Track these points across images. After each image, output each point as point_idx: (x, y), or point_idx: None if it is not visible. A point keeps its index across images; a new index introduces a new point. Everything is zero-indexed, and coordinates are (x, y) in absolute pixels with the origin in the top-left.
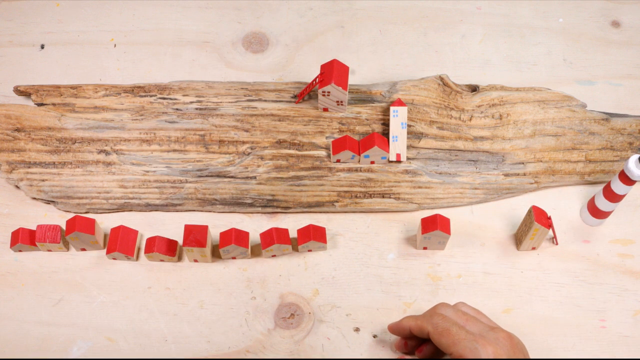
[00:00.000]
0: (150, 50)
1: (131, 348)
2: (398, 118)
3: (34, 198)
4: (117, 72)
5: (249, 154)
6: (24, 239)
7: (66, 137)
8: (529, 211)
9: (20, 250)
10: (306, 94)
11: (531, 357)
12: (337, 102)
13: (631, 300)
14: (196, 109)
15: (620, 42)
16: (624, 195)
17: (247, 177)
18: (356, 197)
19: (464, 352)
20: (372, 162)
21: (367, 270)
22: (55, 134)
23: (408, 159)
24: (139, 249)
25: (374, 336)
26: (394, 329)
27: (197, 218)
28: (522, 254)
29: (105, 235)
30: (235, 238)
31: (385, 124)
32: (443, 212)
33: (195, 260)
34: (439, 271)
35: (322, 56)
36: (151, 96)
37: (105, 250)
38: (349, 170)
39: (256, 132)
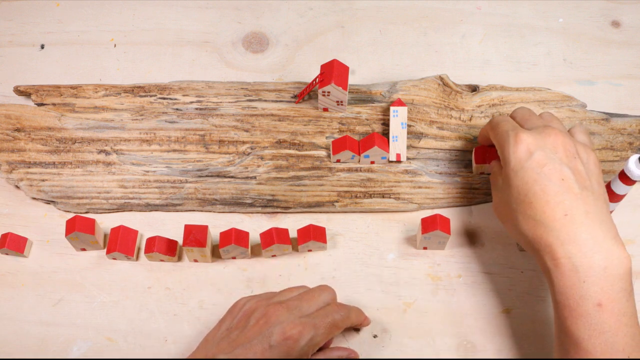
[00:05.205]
0: (150, 50)
1: (131, 348)
2: (398, 118)
3: (34, 198)
4: (117, 72)
5: (249, 154)
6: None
7: (66, 137)
8: None
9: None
10: (306, 94)
11: (531, 357)
12: (337, 102)
13: None
14: (196, 109)
15: (620, 42)
16: (624, 195)
17: (247, 177)
18: (356, 197)
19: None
20: (372, 162)
21: (367, 270)
22: (55, 134)
23: (408, 159)
24: (139, 249)
25: (374, 336)
26: (480, 135)
27: (197, 218)
28: (522, 254)
29: (105, 235)
30: (235, 238)
31: (385, 124)
32: (443, 212)
33: (195, 260)
34: (439, 271)
35: (322, 56)
36: (151, 96)
37: (105, 250)
38: (349, 170)
39: (256, 132)
